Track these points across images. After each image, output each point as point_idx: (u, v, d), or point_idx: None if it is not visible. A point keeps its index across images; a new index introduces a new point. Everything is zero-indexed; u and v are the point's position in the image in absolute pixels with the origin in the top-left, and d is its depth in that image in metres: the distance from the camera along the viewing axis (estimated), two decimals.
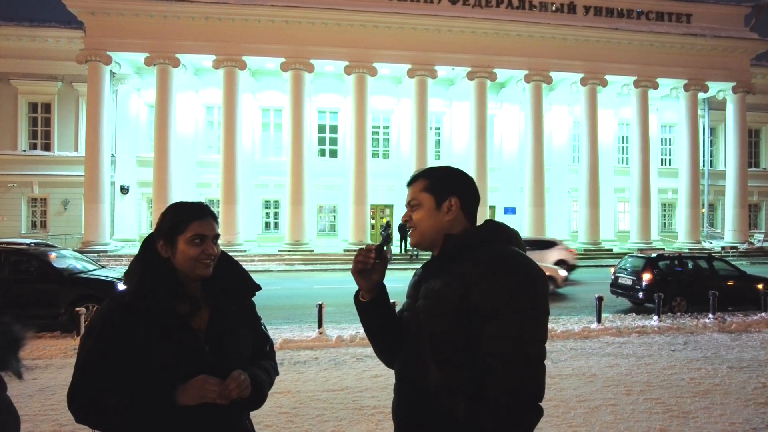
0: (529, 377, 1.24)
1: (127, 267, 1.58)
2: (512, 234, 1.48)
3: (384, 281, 1.55)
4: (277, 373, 1.65)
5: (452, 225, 1.47)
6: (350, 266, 1.51)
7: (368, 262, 1.47)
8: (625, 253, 17.31)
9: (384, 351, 1.59)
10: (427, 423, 1.36)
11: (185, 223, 1.48)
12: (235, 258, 1.67)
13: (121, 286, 8.28)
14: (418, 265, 1.65)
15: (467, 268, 1.33)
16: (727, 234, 26.08)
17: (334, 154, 25.43)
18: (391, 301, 1.61)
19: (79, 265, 9.29)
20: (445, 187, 1.49)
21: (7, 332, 1.21)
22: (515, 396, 1.22)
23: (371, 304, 1.54)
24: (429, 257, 1.56)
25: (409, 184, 1.55)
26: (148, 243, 1.54)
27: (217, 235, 1.54)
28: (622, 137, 27.84)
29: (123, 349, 1.36)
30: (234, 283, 1.59)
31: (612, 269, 12.30)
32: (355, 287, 1.55)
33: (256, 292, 1.64)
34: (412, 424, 1.41)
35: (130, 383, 1.34)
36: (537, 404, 1.25)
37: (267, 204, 25.14)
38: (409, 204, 1.53)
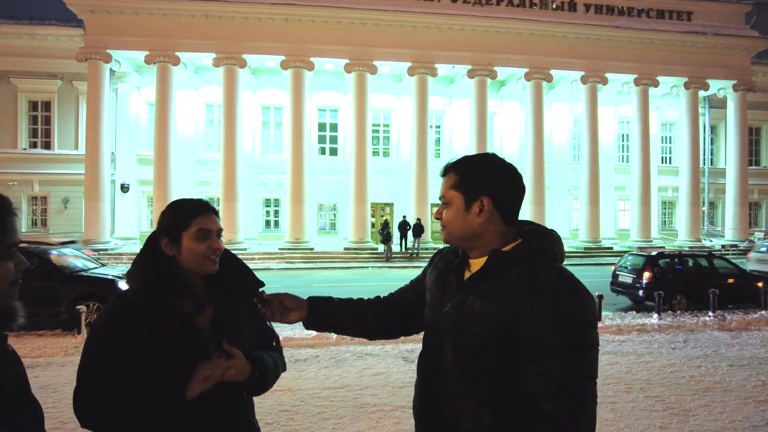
0: (584, 417, 1.16)
1: (127, 265, 1.58)
2: (557, 243, 1.35)
3: (308, 296, 1.62)
4: (284, 368, 1.65)
5: (485, 228, 1.33)
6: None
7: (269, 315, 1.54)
8: (626, 252, 17.31)
9: (361, 335, 1.67)
10: (447, 427, 1.33)
11: (188, 219, 1.47)
12: (238, 256, 1.66)
13: (122, 285, 8.29)
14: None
15: (515, 294, 1.22)
16: (727, 232, 26.08)
17: (334, 152, 25.41)
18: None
19: (80, 263, 9.31)
20: (475, 185, 1.33)
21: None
22: None
23: (313, 324, 1.61)
24: (434, 247, 1.57)
25: (442, 175, 1.41)
26: (150, 242, 1.53)
27: (221, 230, 1.54)
28: (623, 135, 27.80)
29: (127, 349, 1.35)
30: (237, 280, 1.59)
31: (612, 267, 12.31)
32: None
33: (260, 289, 1.64)
34: (434, 427, 1.39)
35: (135, 384, 1.33)
36: None
37: (267, 202, 25.14)
38: (441, 199, 1.41)
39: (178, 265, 1.47)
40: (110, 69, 21.56)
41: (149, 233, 1.56)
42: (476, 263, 1.36)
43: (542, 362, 1.16)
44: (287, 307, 1.57)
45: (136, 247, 21.39)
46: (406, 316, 1.63)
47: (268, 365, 1.53)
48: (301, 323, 1.63)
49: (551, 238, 1.35)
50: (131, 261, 1.59)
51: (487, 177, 1.34)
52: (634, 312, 10.18)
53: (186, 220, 1.47)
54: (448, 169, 1.40)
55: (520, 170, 1.43)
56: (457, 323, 1.30)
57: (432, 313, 1.44)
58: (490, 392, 1.24)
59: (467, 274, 1.37)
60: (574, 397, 1.15)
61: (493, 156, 1.39)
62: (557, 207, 26.30)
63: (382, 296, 1.72)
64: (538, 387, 1.16)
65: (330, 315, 1.61)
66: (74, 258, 9.48)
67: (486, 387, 1.25)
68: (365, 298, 1.72)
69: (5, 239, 1.05)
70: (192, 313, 1.46)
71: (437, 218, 1.42)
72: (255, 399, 1.62)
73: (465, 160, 1.39)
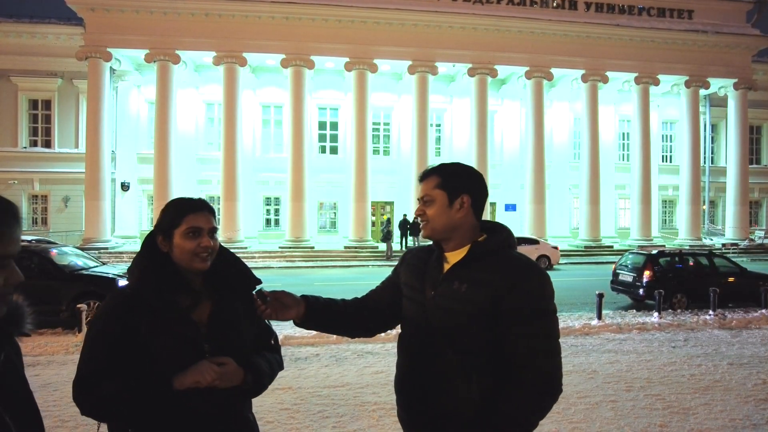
0: (558, 367, 1.47)
1: (127, 263, 1.60)
2: (514, 238, 1.65)
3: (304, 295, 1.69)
4: (281, 367, 1.68)
5: (463, 221, 1.58)
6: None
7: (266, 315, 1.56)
8: (626, 250, 17.31)
9: (345, 334, 1.81)
10: (438, 398, 1.52)
11: (180, 216, 1.50)
12: (236, 255, 1.69)
13: (123, 284, 8.29)
14: None
15: (496, 277, 1.49)
16: (727, 231, 26.07)
17: (334, 150, 25.40)
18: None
19: (80, 261, 9.31)
20: (457, 185, 1.58)
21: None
22: (551, 384, 1.45)
23: (307, 322, 1.67)
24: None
25: (422, 179, 1.64)
26: (149, 239, 1.56)
27: (214, 229, 1.55)
28: (623, 134, 27.80)
29: (125, 342, 1.39)
30: (234, 277, 1.61)
31: (612, 266, 12.31)
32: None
33: (257, 286, 1.65)
34: (422, 399, 1.56)
35: (132, 376, 1.37)
36: (561, 387, 1.48)
37: (267, 201, 25.15)
38: (422, 200, 1.62)
39: (173, 260, 1.51)
40: (110, 67, 21.56)
41: (149, 232, 1.58)
42: (452, 255, 1.60)
43: (523, 327, 1.45)
44: (285, 304, 1.61)
45: (137, 246, 21.37)
46: (386, 315, 1.77)
47: (262, 371, 1.55)
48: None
49: (511, 233, 1.65)
50: (132, 259, 1.61)
51: (465, 179, 1.61)
52: (634, 311, 10.17)
53: (178, 217, 1.51)
54: (429, 174, 1.63)
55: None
56: (446, 305, 1.53)
57: (413, 303, 1.64)
58: (477, 361, 1.48)
59: (446, 266, 1.60)
60: (552, 351, 1.46)
61: (467, 165, 1.67)
62: (558, 205, 26.30)
63: (359, 297, 1.82)
64: (524, 346, 1.45)
65: (323, 313, 1.69)
66: (75, 257, 9.49)
67: (473, 357, 1.49)
68: (345, 299, 1.81)
69: (3, 248, 0.98)
70: (188, 307, 1.49)
71: (419, 215, 1.62)
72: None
73: (444, 166, 1.64)
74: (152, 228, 1.59)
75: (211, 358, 1.44)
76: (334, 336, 7.37)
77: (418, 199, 1.63)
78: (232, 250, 1.66)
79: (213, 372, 1.38)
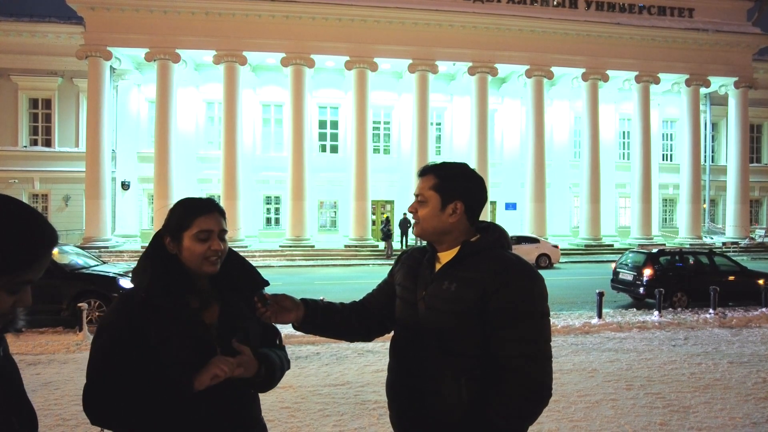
0: (546, 372, 1.42)
1: (128, 262, 1.58)
2: (508, 237, 1.62)
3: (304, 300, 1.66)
4: (288, 365, 1.65)
5: (454, 226, 1.54)
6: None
7: (266, 315, 1.54)
8: (626, 249, 17.31)
9: (344, 338, 1.78)
10: (427, 401, 1.48)
11: (190, 218, 1.46)
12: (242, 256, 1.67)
13: (124, 282, 8.30)
14: None
15: (485, 276, 1.44)
16: (728, 229, 26.07)
17: (334, 149, 25.40)
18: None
19: (81, 260, 9.32)
20: (452, 190, 1.53)
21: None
22: (537, 389, 1.40)
23: (306, 325, 1.65)
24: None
25: (421, 175, 1.59)
26: (156, 240, 1.52)
27: (224, 231, 1.51)
28: (624, 132, 27.79)
29: (137, 346, 1.35)
30: (241, 278, 1.59)
31: (613, 265, 12.31)
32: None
33: (264, 288, 1.64)
34: (412, 402, 1.52)
35: (145, 380, 1.33)
36: (550, 393, 1.43)
37: (268, 199, 25.16)
38: (417, 197, 1.59)
39: (181, 262, 1.47)
40: (110, 66, 21.56)
41: (150, 231, 1.56)
42: (444, 255, 1.57)
43: (511, 329, 1.41)
44: (285, 307, 1.60)
45: (137, 245, 21.41)
46: (383, 317, 1.75)
47: (274, 362, 1.53)
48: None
49: (506, 233, 1.62)
50: (132, 259, 1.60)
51: (462, 184, 1.55)
52: (634, 309, 10.17)
53: (188, 219, 1.46)
54: (428, 171, 1.58)
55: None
56: (436, 305, 1.50)
57: (405, 303, 1.61)
58: (467, 363, 1.45)
59: (438, 266, 1.57)
60: (539, 355, 1.41)
61: (468, 166, 1.61)
62: (558, 204, 26.30)
63: (357, 300, 1.81)
64: (509, 348, 1.40)
65: (322, 318, 1.67)
66: (75, 255, 9.49)
67: (464, 359, 1.45)
68: (344, 302, 1.79)
69: (25, 275, 0.95)
70: (198, 308, 1.46)
71: (412, 212, 1.60)
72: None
73: (445, 166, 1.58)
74: (155, 228, 1.57)
75: (223, 353, 1.41)
76: None
77: (414, 195, 1.60)
78: (235, 250, 1.65)
79: (229, 362, 1.34)
